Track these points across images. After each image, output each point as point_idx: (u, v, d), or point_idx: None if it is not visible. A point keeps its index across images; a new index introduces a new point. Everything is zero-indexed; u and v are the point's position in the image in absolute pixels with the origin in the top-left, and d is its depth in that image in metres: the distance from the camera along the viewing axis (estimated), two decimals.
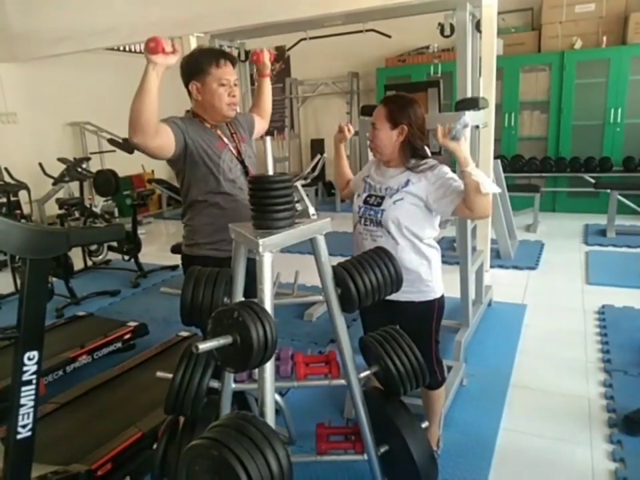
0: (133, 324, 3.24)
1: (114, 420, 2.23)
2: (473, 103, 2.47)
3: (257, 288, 1.24)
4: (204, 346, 1.05)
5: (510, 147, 6.46)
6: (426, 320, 1.92)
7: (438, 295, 1.92)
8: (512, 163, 6.29)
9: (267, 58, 2.18)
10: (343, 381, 1.54)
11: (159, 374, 1.58)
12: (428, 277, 1.86)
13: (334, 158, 2.23)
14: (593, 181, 5.80)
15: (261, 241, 1.18)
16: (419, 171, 1.83)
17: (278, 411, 1.47)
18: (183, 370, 1.53)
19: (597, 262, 4.39)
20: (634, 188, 5.39)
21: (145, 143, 1.63)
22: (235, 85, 1.89)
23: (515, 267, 4.41)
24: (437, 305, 1.92)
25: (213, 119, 1.91)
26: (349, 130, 2.09)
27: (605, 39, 5.76)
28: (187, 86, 1.89)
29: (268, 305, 1.22)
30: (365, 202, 1.91)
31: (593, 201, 6.10)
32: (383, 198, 1.85)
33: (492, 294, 3.62)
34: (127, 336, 3.15)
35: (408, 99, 1.86)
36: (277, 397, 1.55)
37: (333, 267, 1.45)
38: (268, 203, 1.25)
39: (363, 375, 1.54)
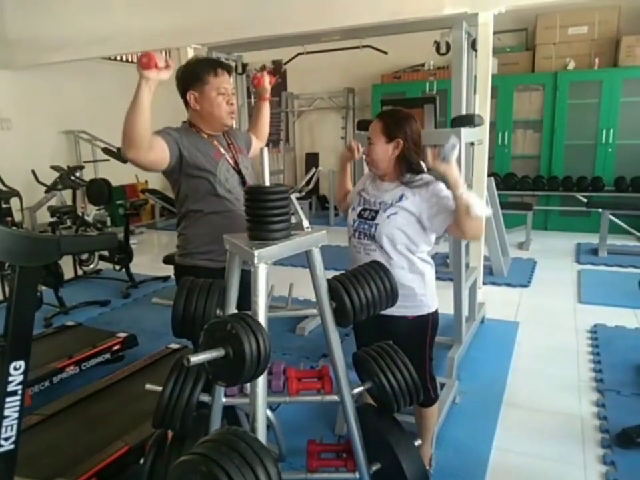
0: (122, 335, 3.19)
1: (100, 433, 2.18)
2: (469, 120, 2.49)
3: (251, 300, 1.22)
4: (195, 358, 1.03)
5: (503, 165, 6.51)
6: (420, 335, 1.90)
7: (432, 310, 1.91)
8: (505, 181, 6.34)
9: (267, 82, 2.18)
10: (335, 397, 1.51)
11: (148, 386, 1.55)
12: (422, 291, 1.85)
13: (338, 173, 2.24)
14: (584, 200, 5.84)
15: (256, 252, 1.17)
16: (413, 186, 1.82)
17: (269, 426, 1.45)
18: (173, 383, 1.49)
19: (589, 281, 4.40)
20: (625, 208, 5.43)
21: (138, 157, 1.63)
22: (233, 93, 1.89)
23: (508, 285, 4.41)
24: (431, 320, 1.91)
25: (211, 128, 1.90)
26: (358, 150, 2.07)
27: (597, 60, 5.86)
28: (183, 96, 1.87)
29: (262, 318, 1.20)
30: (360, 215, 1.90)
31: (585, 220, 6.14)
32: (377, 212, 1.85)
33: (485, 311, 3.62)
34: (116, 347, 3.10)
35: (404, 114, 1.87)
36: (268, 412, 1.53)
37: (328, 280, 1.43)
38: (264, 214, 1.24)
39: (356, 390, 1.52)
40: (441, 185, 1.79)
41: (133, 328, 3.54)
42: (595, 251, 5.26)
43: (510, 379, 2.80)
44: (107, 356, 3.05)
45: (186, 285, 1.43)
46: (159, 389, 1.52)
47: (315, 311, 1.44)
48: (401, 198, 1.82)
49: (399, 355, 1.54)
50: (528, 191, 6.25)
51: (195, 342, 1.44)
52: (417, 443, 1.59)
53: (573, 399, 2.58)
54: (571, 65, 6.01)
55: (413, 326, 1.88)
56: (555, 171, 6.25)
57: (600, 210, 5.35)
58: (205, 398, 1.50)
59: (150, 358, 2.95)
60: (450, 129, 2.49)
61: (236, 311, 1.41)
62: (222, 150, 1.91)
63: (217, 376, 1.12)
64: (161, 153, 1.72)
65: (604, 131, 5.94)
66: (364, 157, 1.94)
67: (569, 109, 6.08)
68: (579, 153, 6.16)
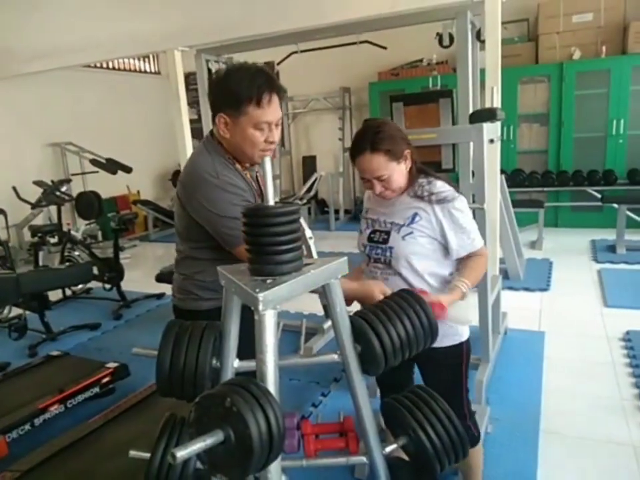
0: (112, 365, 2.89)
1: None
2: (491, 115, 2.20)
3: (256, 356, 0.94)
4: (184, 452, 0.75)
5: (509, 161, 6.23)
6: (454, 367, 1.63)
7: (464, 338, 1.63)
8: (512, 178, 6.05)
9: None
10: (363, 458, 1.23)
11: (133, 453, 1.26)
12: None
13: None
14: (597, 194, 5.58)
15: (261, 296, 0.88)
16: (427, 201, 1.52)
17: None
18: (163, 448, 1.21)
19: (612, 281, 4.13)
20: None
21: None
22: (277, 125, 1.47)
23: (526, 289, 4.13)
24: (464, 349, 1.63)
25: (240, 159, 1.53)
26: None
27: (604, 48, 5.60)
28: (213, 111, 1.48)
29: (271, 384, 0.91)
30: (370, 239, 1.61)
31: (597, 215, 5.87)
32: (388, 233, 1.56)
33: (507, 321, 3.34)
34: (106, 379, 2.81)
35: (380, 122, 1.55)
36: (283, 478, 1.25)
37: (350, 318, 1.15)
38: (269, 242, 0.95)
39: (388, 449, 1.23)
40: (458, 204, 1.52)
41: (124, 354, 3.24)
42: (612, 248, 4.98)
43: (544, 401, 2.52)
44: (96, 390, 2.75)
45: (172, 331, 1.14)
46: (147, 456, 1.23)
47: (335, 357, 1.15)
48: (414, 218, 1.53)
49: (439, 403, 1.25)
50: (537, 187, 5.97)
51: (189, 401, 1.16)
52: None
53: (619, 423, 2.30)
54: (577, 55, 5.74)
55: (445, 358, 1.60)
56: (564, 166, 5.98)
57: (615, 205, 5.08)
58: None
59: (145, 391, 2.66)
60: (469, 125, 2.21)
61: (237, 363, 1.13)
62: (257, 188, 1.58)
63: (216, 467, 0.84)
64: None
65: (614, 122, 5.67)
66: (376, 194, 1.58)
67: (576, 101, 5.81)
68: (588, 146, 5.89)
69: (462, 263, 1.57)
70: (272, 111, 1.41)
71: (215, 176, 1.44)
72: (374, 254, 1.59)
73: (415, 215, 1.53)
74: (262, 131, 1.42)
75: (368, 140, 1.49)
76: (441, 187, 1.54)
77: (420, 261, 1.53)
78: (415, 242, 1.52)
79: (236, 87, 1.38)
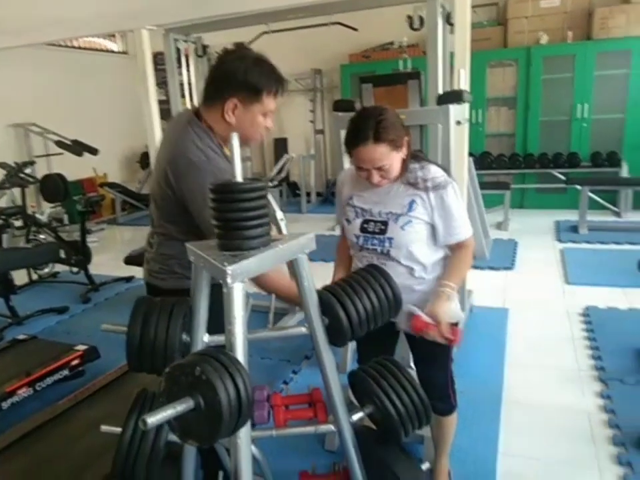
0: (81, 347, 2.87)
1: (59, 470, 1.89)
2: (457, 97, 2.25)
3: (225, 328, 0.96)
4: (154, 419, 0.77)
5: (477, 144, 6.33)
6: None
7: None
8: (480, 160, 6.16)
9: None
10: (331, 427, 1.28)
11: (104, 428, 1.28)
12: None
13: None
14: (562, 177, 5.74)
15: (229, 269, 0.90)
16: (421, 188, 1.52)
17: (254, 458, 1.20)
18: (135, 421, 1.23)
19: (574, 260, 4.29)
20: (604, 183, 5.35)
21: None
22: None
23: (491, 268, 4.25)
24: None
25: (228, 142, 1.54)
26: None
27: (570, 34, 5.71)
28: (220, 96, 1.46)
29: (240, 353, 0.94)
30: (363, 230, 1.59)
31: (561, 197, 6.06)
32: (385, 224, 1.55)
33: (472, 299, 3.44)
34: (75, 362, 2.79)
35: (382, 110, 1.49)
36: (253, 448, 1.28)
37: (318, 292, 1.18)
38: (237, 217, 0.97)
39: (355, 417, 1.28)
40: (450, 191, 1.52)
41: (94, 337, 3.21)
42: (574, 229, 5.16)
43: (507, 373, 2.63)
44: (65, 372, 2.73)
45: (142, 306, 1.15)
46: (118, 430, 1.25)
47: (304, 330, 1.19)
48: (411, 206, 1.53)
49: (404, 373, 1.30)
50: (504, 169, 6.11)
51: (159, 375, 1.18)
52: (425, 466, 1.39)
53: (576, 392, 2.42)
54: (544, 39, 5.85)
55: None
56: (531, 148, 6.13)
57: (578, 187, 5.25)
58: (175, 437, 1.24)
59: (115, 372, 2.66)
60: (436, 106, 2.25)
61: (206, 337, 1.15)
62: None
63: (187, 433, 0.87)
64: None
65: (578, 106, 5.82)
66: (375, 182, 1.53)
67: (543, 85, 5.93)
68: (554, 129, 6.05)
69: (449, 260, 1.60)
70: (277, 101, 1.55)
71: (206, 162, 1.44)
72: (370, 244, 1.58)
73: (412, 202, 1.53)
74: (266, 118, 1.53)
75: (370, 129, 1.43)
76: (435, 172, 1.54)
77: (420, 248, 1.55)
78: (414, 230, 1.53)
79: (258, 79, 1.46)
